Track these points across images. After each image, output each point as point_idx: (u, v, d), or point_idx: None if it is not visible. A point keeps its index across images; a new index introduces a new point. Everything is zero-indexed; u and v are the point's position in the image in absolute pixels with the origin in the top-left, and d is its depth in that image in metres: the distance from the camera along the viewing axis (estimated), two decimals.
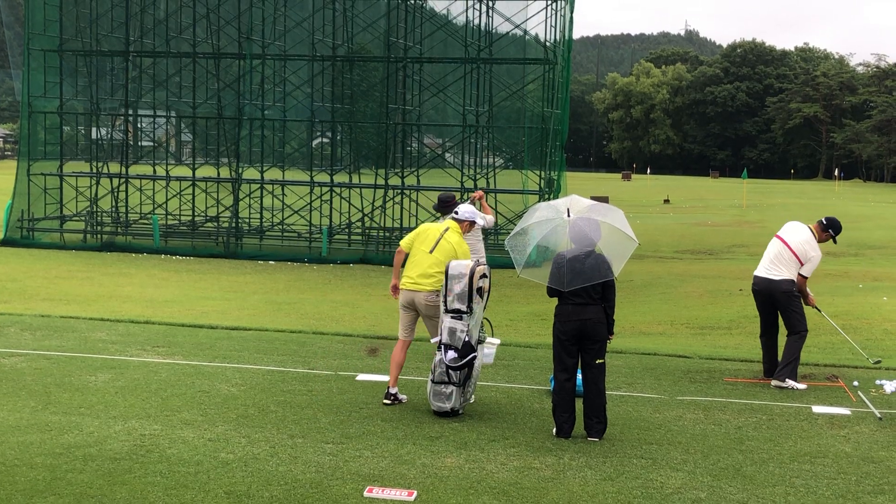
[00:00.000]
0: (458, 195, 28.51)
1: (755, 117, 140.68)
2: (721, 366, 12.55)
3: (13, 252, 27.11)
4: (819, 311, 12.03)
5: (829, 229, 11.72)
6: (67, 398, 9.97)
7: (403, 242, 10.44)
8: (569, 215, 9.05)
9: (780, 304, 11.67)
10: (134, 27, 31.31)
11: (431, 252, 10.08)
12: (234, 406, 9.82)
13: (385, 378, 11.15)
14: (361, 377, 11.31)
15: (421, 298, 10.04)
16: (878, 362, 12.28)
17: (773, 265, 11.67)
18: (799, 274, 11.55)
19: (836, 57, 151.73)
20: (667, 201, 61.69)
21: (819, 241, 11.71)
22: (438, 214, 12.76)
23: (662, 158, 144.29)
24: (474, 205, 12.91)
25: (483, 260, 12.64)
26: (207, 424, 9.10)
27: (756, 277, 11.87)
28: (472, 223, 10.57)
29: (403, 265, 10.46)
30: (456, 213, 10.48)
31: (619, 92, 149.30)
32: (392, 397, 10.07)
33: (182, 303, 18.31)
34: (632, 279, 22.97)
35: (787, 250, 11.60)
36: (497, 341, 10.96)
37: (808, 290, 11.77)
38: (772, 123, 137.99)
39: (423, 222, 29.39)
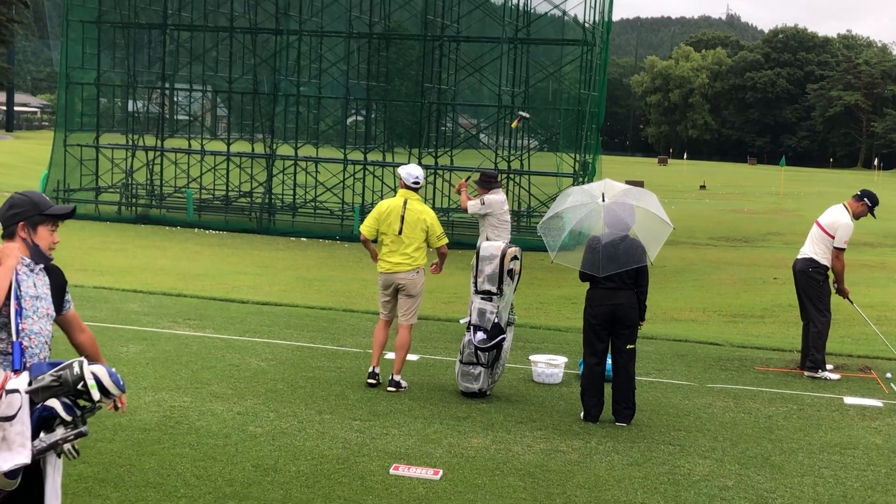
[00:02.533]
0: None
1: (795, 104, 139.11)
2: (753, 354, 12.48)
3: None
4: (851, 301, 11.88)
5: (864, 198, 11.42)
6: None
7: (364, 228, 9.95)
8: (604, 200, 9.00)
9: (797, 285, 11.58)
10: (172, 0, 31.43)
11: (400, 234, 9.73)
12: (264, 380, 9.90)
13: (412, 357, 11.19)
14: (390, 355, 11.32)
15: (401, 277, 9.79)
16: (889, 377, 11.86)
17: (805, 247, 11.56)
18: (834, 248, 11.32)
19: (879, 45, 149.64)
20: (703, 187, 61.26)
21: (856, 216, 11.44)
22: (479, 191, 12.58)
23: (700, 144, 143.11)
24: (459, 194, 12.78)
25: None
26: (237, 398, 9.18)
27: None
28: (418, 182, 9.91)
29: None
30: (417, 179, 9.86)
31: (658, 75, 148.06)
32: (375, 377, 9.87)
33: (214, 277, 18.44)
34: (665, 265, 22.86)
35: (818, 228, 11.48)
36: (564, 359, 10.79)
37: (843, 272, 11.41)
38: (812, 111, 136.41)
39: (456, 203, 29.47)
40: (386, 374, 10.16)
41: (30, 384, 4.45)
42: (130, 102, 32.57)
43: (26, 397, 4.39)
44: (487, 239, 11.85)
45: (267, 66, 30.91)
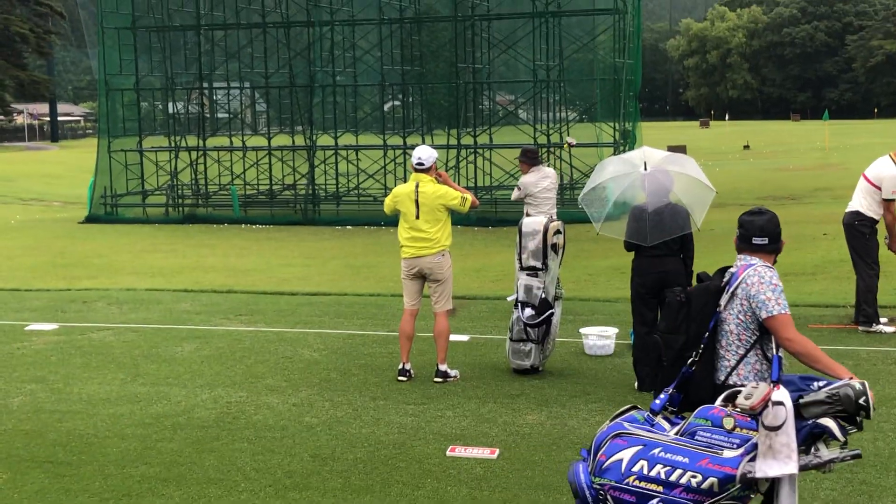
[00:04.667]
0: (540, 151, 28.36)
1: (835, 57, 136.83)
2: (806, 312, 12.29)
3: (98, 228, 27.71)
4: None
5: None
6: (155, 369, 10.19)
7: (386, 207, 9.91)
8: (645, 168, 8.88)
9: (846, 237, 11.39)
10: (204, 0, 31.57)
11: (417, 218, 9.47)
12: (317, 371, 9.94)
13: (462, 338, 11.18)
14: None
15: (426, 262, 9.48)
16: None
17: (853, 200, 11.36)
18: (883, 200, 11.10)
19: None
20: (747, 147, 60.49)
21: None
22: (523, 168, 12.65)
23: (741, 104, 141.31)
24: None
25: (555, 215, 12.45)
26: (291, 390, 9.23)
27: None
28: (435, 164, 9.74)
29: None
30: (420, 160, 9.62)
31: (694, 38, 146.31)
32: (407, 374, 9.56)
33: (263, 271, 18.55)
34: (713, 228, 22.58)
35: (864, 180, 11.27)
36: (615, 330, 10.71)
37: (894, 224, 11.18)
38: (853, 62, 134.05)
39: (497, 181, 29.35)
40: (421, 367, 9.98)
41: (799, 398, 4.61)
42: (170, 104, 32.78)
43: (791, 411, 4.52)
44: (527, 215, 11.78)
45: (301, 58, 30.94)
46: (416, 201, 9.49)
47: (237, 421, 8.30)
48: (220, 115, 36.62)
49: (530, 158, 12.58)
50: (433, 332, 9.73)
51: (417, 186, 9.55)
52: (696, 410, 4.83)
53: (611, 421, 4.96)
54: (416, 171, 9.62)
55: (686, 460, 4.61)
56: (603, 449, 4.79)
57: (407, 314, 9.71)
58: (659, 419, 4.95)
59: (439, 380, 9.46)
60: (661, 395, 5.10)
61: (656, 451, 4.68)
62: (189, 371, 10.05)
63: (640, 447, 4.72)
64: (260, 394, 9.12)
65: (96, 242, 24.05)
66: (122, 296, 14.82)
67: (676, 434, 4.74)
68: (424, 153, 9.65)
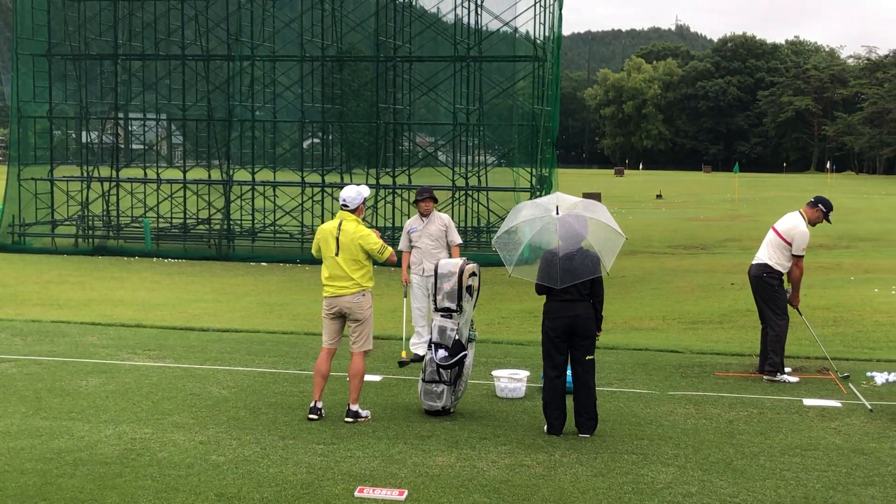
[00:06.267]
0: (449, 193, 28.54)
1: (747, 111, 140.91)
2: (712, 360, 12.57)
3: (4, 258, 27.06)
4: (800, 313, 11.95)
5: (818, 205, 11.52)
6: (58, 403, 9.96)
7: (314, 249, 9.83)
8: (557, 213, 9.04)
9: (753, 290, 11.70)
10: (122, 30, 31.26)
11: (337, 255, 9.44)
12: (225, 408, 9.82)
13: (375, 378, 11.16)
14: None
15: (345, 302, 9.44)
16: (847, 377, 11.82)
17: (760, 252, 11.69)
18: (792, 255, 11.42)
19: (827, 49, 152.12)
20: (659, 196, 61.76)
21: (812, 222, 11.53)
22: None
23: (655, 154, 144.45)
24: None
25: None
26: (198, 427, 9.09)
27: None
28: (364, 203, 9.70)
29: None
30: (344, 201, 9.57)
31: (611, 88, 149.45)
32: (318, 412, 9.43)
33: (173, 306, 18.30)
34: (624, 275, 23.00)
35: (774, 234, 11.60)
36: (526, 373, 10.77)
37: (800, 280, 11.53)
38: (763, 117, 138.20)
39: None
40: (332, 406, 9.96)
41: None
42: (84, 134, 32.28)
43: None
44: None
45: (221, 92, 30.81)
46: (337, 238, 9.47)
47: (141, 458, 8.14)
48: (134, 146, 36.16)
49: (419, 199, 12.52)
50: (348, 371, 9.67)
51: (340, 224, 9.53)
52: None
53: None
54: (344, 209, 9.61)
55: None
56: None
57: (324, 352, 9.65)
58: None
59: (350, 420, 9.40)
60: None
61: None
62: (93, 406, 9.84)
63: None
64: (166, 430, 8.96)
65: (2, 272, 23.46)
66: (27, 327, 14.47)
67: None
68: (349, 193, 9.61)
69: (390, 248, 9.60)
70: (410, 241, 12.51)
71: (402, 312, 12.84)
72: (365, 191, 9.76)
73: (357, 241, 9.41)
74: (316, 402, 9.52)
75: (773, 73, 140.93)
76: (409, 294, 12.60)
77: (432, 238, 12.37)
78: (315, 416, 9.44)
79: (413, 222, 12.57)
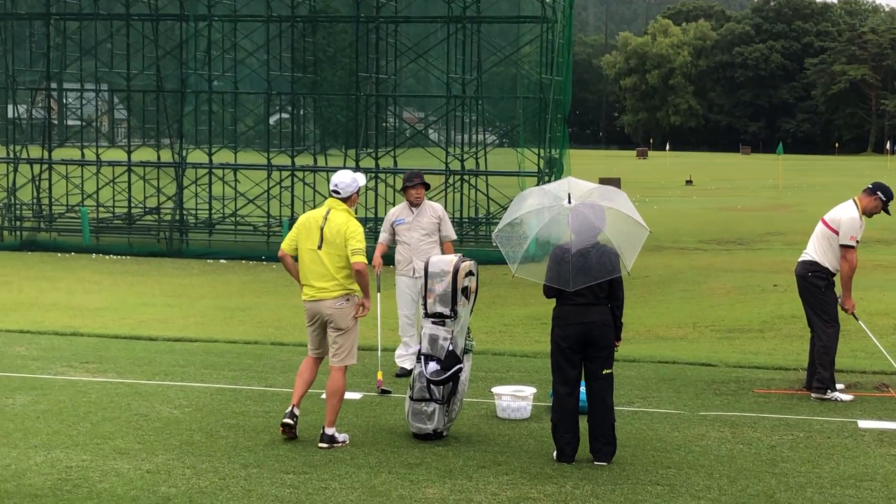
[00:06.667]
0: (441, 178, 28.56)
1: (793, 82, 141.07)
2: (751, 375, 12.59)
3: None
4: (856, 318, 11.95)
5: (876, 192, 11.42)
6: None
7: (284, 244, 9.70)
8: (570, 202, 9.00)
9: (799, 291, 11.67)
10: None
11: (319, 248, 9.40)
12: (178, 431, 9.82)
13: (354, 396, 11.17)
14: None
15: (326, 307, 9.44)
16: None
17: (808, 247, 11.63)
18: (840, 246, 11.31)
19: (887, 10, 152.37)
20: (689, 182, 61.87)
21: (868, 213, 11.44)
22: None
23: (684, 132, 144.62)
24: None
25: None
26: (146, 453, 9.10)
27: None
28: (357, 193, 9.72)
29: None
30: (335, 187, 9.55)
31: (633, 54, 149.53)
32: (293, 418, 9.45)
33: (116, 311, 18.32)
34: (647, 275, 23.04)
35: (822, 225, 11.52)
36: (532, 390, 10.79)
37: (850, 276, 11.43)
38: (812, 89, 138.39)
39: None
40: (304, 429, 9.90)
41: None
42: (10, 107, 32.24)
43: None
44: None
45: (172, 58, 30.80)
46: (322, 228, 9.42)
47: (78, 489, 8.15)
48: (70, 122, 36.15)
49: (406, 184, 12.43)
50: (325, 389, 9.65)
51: (328, 213, 9.49)
52: None
53: None
54: (334, 196, 9.57)
55: None
56: None
57: (308, 359, 9.74)
58: None
59: (325, 445, 9.38)
60: None
61: None
62: (21, 428, 9.84)
63: None
64: (107, 458, 8.96)
65: None
66: None
67: None
68: (342, 178, 9.57)
69: (364, 259, 9.39)
70: (394, 233, 12.39)
71: (385, 318, 12.78)
72: (361, 178, 9.75)
73: (343, 235, 9.35)
74: (294, 406, 9.53)
75: (824, 37, 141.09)
76: (380, 285, 12.34)
77: (424, 232, 12.26)
78: (290, 421, 9.42)
79: (399, 212, 12.45)
